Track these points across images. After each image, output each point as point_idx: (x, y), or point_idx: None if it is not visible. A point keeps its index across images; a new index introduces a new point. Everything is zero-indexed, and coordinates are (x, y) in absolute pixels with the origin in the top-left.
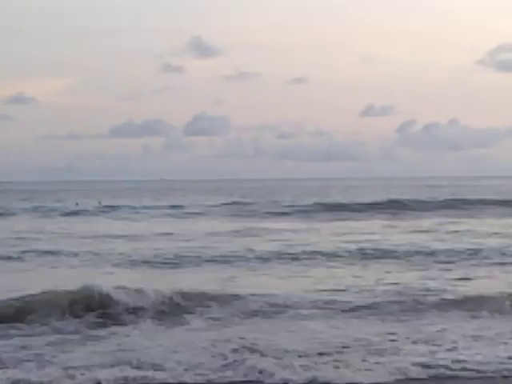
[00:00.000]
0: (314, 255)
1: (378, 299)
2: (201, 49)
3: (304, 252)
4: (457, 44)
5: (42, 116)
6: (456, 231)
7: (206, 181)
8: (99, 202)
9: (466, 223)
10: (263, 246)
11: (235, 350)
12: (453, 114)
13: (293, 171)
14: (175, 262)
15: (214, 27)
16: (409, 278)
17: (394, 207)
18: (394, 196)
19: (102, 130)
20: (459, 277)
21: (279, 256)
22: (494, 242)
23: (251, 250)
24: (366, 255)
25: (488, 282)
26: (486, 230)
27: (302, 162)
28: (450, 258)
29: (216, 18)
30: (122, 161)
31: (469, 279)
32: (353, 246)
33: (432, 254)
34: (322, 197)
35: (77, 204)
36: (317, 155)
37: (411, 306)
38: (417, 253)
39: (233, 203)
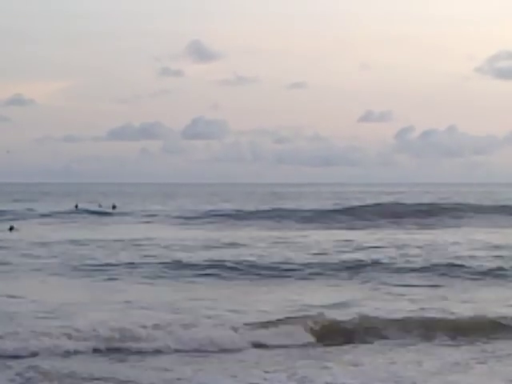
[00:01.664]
0: None
1: None
2: (199, 53)
3: None
4: (455, 51)
5: (39, 118)
6: None
7: (204, 184)
8: (99, 205)
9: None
10: None
11: None
12: (451, 121)
13: (290, 176)
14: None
15: (213, 31)
16: None
17: None
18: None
19: (100, 133)
20: None
21: None
22: None
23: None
24: None
25: None
26: None
27: (299, 166)
28: None
29: (215, 22)
30: (120, 164)
31: None
32: None
33: None
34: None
35: (76, 207)
36: (314, 160)
37: None
38: None
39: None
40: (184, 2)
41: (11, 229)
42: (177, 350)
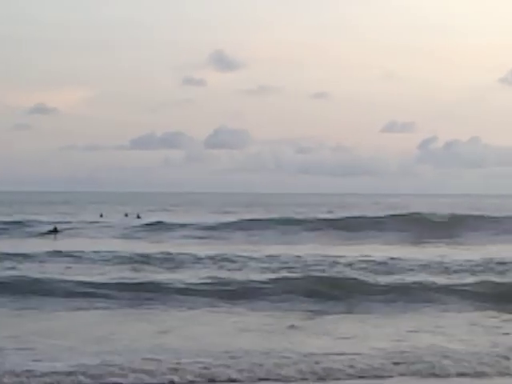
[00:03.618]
0: None
1: None
2: (222, 62)
3: None
4: (479, 62)
5: (63, 126)
6: None
7: (226, 194)
8: (126, 215)
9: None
10: None
11: None
12: (474, 132)
13: (313, 186)
14: None
15: (236, 41)
16: None
17: None
18: None
19: (123, 142)
20: None
21: None
22: None
23: None
24: None
25: None
26: None
27: (322, 176)
28: None
29: (238, 32)
30: (143, 173)
31: None
32: None
33: None
34: None
35: (101, 216)
36: (337, 170)
37: None
38: None
39: None
40: (207, 12)
41: (55, 230)
42: None
